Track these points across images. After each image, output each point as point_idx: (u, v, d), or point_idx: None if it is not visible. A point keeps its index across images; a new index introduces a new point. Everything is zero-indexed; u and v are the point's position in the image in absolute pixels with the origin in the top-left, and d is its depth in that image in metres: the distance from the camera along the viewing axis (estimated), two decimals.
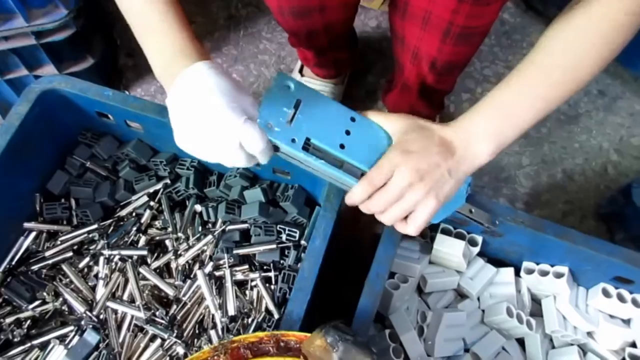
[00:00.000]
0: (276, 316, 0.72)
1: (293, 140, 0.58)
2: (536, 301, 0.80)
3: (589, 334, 0.77)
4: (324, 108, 0.61)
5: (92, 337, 0.72)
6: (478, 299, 0.79)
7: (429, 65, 0.82)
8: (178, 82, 0.55)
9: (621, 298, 0.73)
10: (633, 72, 1.08)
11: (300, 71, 1.03)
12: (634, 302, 0.72)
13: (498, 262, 0.79)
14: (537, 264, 0.76)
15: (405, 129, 0.59)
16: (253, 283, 0.76)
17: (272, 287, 0.75)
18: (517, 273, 0.79)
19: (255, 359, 0.60)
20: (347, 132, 0.61)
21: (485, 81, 1.11)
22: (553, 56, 0.56)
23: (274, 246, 0.76)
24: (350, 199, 0.59)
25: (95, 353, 0.72)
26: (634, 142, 1.04)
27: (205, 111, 0.54)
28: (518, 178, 1.00)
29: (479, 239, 0.75)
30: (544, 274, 0.75)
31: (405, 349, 0.71)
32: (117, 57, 1.11)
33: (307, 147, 0.59)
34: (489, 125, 0.57)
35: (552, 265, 0.75)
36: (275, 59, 1.11)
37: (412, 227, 0.58)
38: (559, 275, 0.74)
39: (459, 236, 0.75)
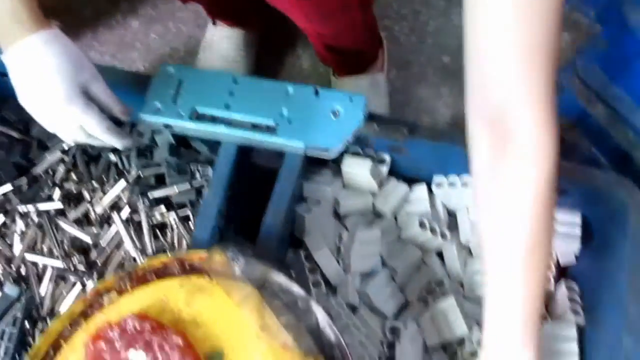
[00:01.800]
0: None
1: (180, 115, 0.68)
2: (453, 216, 0.82)
3: None
4: (205, 80, 0.71)
5: (11, 290, 0.73)
6: (395, 218, 0.80)
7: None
8: (17, 51, 0.58)
9: None
10: None
11: (214, 22, 1.03)
12: None
13: (411, 181, 0.81)
14: (447, 176, 0.78)
15: None
16: (172, 224, 0.77)
17: (191, 225, 0.77)
18: (431, 190, 0.81)
19: (160, 280, 0.61)
20: (231, 93, 0.70)
21: None
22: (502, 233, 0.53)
23: (188, 186, 0.77)
24: None
25: (18, 304, 0.72)
26: None
27: (46, 94, 0.59)
28: (437, 108, 1.02)
29: (387, 157, 0.77)
30: (453, 185, 0.77)
31: (320, 266, 0.73)
32: None
33: (195, 117, 0.69)
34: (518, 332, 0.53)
35: (459, 175, 0.77)
36: (193, 14, 1.11)
37: None
38: (466, 184, 0.76)
39: (368, 157, 0.77)
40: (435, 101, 1.03)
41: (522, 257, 0.52)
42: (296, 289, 0.59)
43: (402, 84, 1.04)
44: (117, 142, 0.67)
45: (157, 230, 0.77)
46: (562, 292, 0.74)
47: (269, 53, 1.08)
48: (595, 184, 0.71)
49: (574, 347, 0.70)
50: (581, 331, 0.71)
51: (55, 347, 0.59)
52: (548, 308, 0.75)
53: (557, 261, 0.77)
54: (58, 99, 0.59)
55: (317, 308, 0.58)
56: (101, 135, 0.65)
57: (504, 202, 0.52)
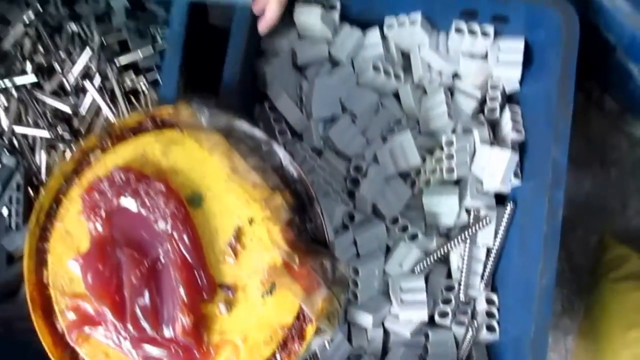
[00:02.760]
0: None
1: None
2: (407, 56, 0.87)
3: (455, 76, 0.86)
4: None
5: (8, 160, 0.80)
6: (352, 64, 0.85)
7: None
8: None
9: (472, 32, 0.79)
10: None
11: None
12: (484, 33, 0.79)
13: (364, 25, 0.84)
14: (396, 16, 0.81)
15: None
16: (143, 88, 0.82)
17: None
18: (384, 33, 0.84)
19: (137, 137, 0.68)
20: None
21: None
22: None
23: (151, 50, 0.80)
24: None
25: (17, 173, 0.80)
26: None
27: None
28: None
29: (336, 2, 0.79)
30: (403, 24, 0.81)
31: (284, 114, 0.79)
32: None
33: None
34: None
35: (408, 14, 0.80)
36: None
37: None
38: (414, 22, 0.79)
39: (318, 4, 0.79)
40: None
41: None
42: (259, 133, 0.66)
43: None
44: None
45: (131, 96, 0.82)
46: (506, 116, 0.82)
47: None
48: (535, 4, 0.75)
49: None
50: (522, 146, 0.81)
51: (56, 201, 0.67)
52: (495, 132, 0.84)
53: (503, 89, 0.84)
54: None
55: (279, 149, 0.65)
56: None
57: None
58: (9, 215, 0.80)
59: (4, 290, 0.78)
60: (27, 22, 0.82)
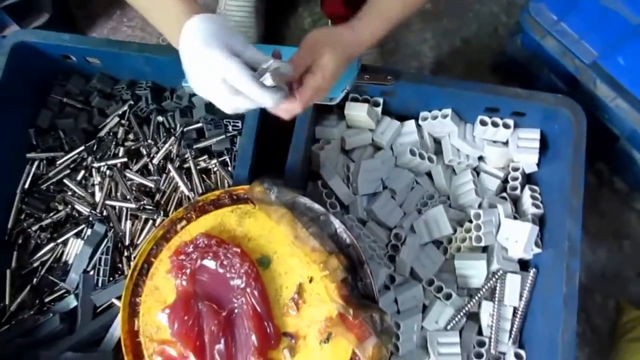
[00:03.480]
0: None
1: None
2: (438, 142, 1.01)
3: (480, 158, 1.00)
4: None
5: (100, 228, 0.94)
6: (391, 149, 1.00)
7: None
8: (180, 41, 0.65)
9: (495, 124, 0.94)
10: None
11: None
12: (505, 125, 0.94)
13: (402, 117, 0.99)
14: (430, 111, 0.97)
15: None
16: (214, 168, 0.98)
17: (229, 168, 0.97)
18: (418, 123, 0.99)
19: (216, 210, 0.82)
20: None
21: None
22: None
23: (223, 137, 0.96)
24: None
25: (105, 239, 0.94)
26: (518, 2, 1.23)
27: (190, 53, 0.63)
28: (423, 51, 1.19)
29: (380, 100, 0.95)
30: (435, 118, 0.96)
31: (334, 191, 0.93)
32: (70, 10, 1.27)
33: None
34: (375, 31, 0.76)
35: (440, 110, 0.96)
36: None
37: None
38: (445, 116, 0.94)
39: (365, 101, 0.95)
40: (421, 46, 1.20)
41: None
42: (317, 207, 0.79)
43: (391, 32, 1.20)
44: (266, 97, 0.62)
45: (203, 175, 0.97)
46: (526, 194, 0.94)
47: (276, 15, 1.24)
48: (548, 105, 0.89)
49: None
50: (541, 219, 0.92)
51: (148, 262, 0.80)
52: (517, 207, 0.96)
53: (523, 170, 0.97)
54: (197, 45, 0.61)
55: (334, 220, 0.79)
56: (245, 85, 0.61)
57: None
58: (97, 274, 0.93)
59: (90, 339, 0.89)
60: (120, 112, 1.00)
